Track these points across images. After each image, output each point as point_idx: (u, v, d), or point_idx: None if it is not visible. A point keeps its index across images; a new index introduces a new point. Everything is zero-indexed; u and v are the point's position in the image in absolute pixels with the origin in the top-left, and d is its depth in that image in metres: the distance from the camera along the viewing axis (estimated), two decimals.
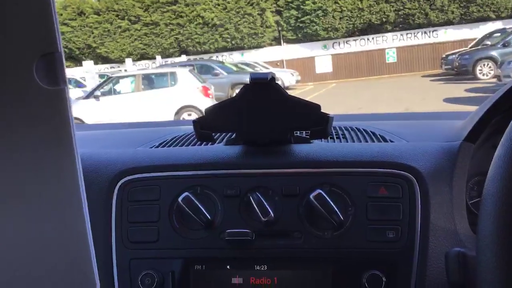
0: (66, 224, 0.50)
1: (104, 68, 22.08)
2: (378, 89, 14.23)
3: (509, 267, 0.46)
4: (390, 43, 20.75)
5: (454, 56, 14.89)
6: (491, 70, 13.33)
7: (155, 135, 1.03)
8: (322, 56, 21.21)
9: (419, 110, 8.57)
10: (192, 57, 20.66)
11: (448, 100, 9.51)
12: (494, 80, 11.87)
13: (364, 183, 0.75)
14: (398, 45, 20.57)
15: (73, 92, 13.38)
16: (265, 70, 16.71)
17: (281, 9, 21.11)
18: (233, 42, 21.69)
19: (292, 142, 0.84)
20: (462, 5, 19.10)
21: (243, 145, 0.83)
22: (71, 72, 18.77)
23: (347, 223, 0.74)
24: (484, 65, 13.63)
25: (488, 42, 14.56)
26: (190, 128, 0.81)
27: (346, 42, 21.21)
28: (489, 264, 0.48)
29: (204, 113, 0.80)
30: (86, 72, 14.24)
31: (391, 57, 20.62)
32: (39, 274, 0.51)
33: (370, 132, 0.95)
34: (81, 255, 0.51)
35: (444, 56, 16.35)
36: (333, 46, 21.32)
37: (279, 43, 21.88)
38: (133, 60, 19.76)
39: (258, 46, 21.87)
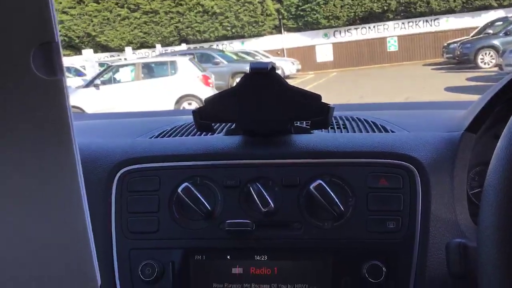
0: (65, 218, 0.50)
1: (104, 56, 22.01)
2: (379, 78, 14.18)
3: (510, 258, 0.46)
4: (391, 31, 20.64)
5: (455, 44, 14.82)
6: (493, 59, 13.28)
7: (154, 125, 1.03)
8: (323, 44, 21.11)
9: (420, 99, 8.55)
10: (192, 46, 20.57)
11: (450, 89, 9.48)
12: (496, 69, 11.83)
13: (365, 174, 0.75)
14: (400, 33, 20.46)
15: (73, 81, 13.37)
16: (265, 59, 16.65)
17: None
18: (233, 30, 21.58)
19: (292, 132, 0.83)
20: None
21: (243, 135, 0.83)
22: (70, 60, 18.71)
23: (347, 213, 0.74)
24: (485, 53, 13.57)
25: (490, 31, 14.48)
26: (190, 118, 0.80)
27: (347, 30, 21.10)
28: (490, 256, 0.48)
29: (203, 103, 0.79)
30: (86, 61, 14.19)
31: (392, 45, 20.52)
32: (38, 273, 0.50)
33: (371, 122, 0.94)
34: (81, 252, 0.51)
35: (445, 44, 16.28)
36: (334, 35, 21.21)
37: (280, 32, 21.77)
38: (133, 49, 19.67)
39: (259, 35, 21.76)
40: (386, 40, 20.56)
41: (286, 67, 16.74)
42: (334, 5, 20.01)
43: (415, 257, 0.72)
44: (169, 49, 20.65)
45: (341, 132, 0.91)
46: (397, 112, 1.16)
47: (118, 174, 0.79)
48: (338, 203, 0.72)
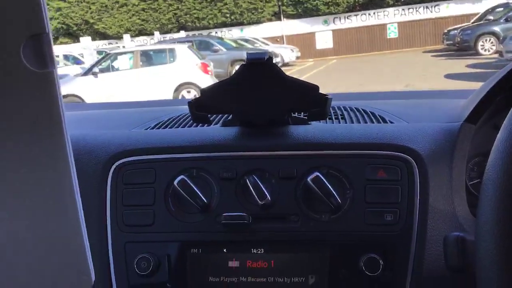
0: (57, 212, 0.49)
1: (102, 44, 21.90)
2: (379, 65, 14.13)
3: (508, 253, 0.46)
4: (391, 18, 20.51)
5: (455, 31, 14.74)
6: (493, 45, 13.22)
7: (150, 116, 1.02)
8: (323, 31, 20.99)
9: (420, 86, 8.53)
10: (190, 33, 20.46)
11: (449, 76, 9.45)
12: (496, 55, 11.79)
13: (363, 166, 0.74)
14: (400, 20, 20.34)
15: (71, 69, 13.32)
16: (264, 46, 16.59)
17: None
18: (232, 17, 21.44)
19: (290, 124, 0.82)
20: None
21: (240, 127, 0.82)
22: (68, 48, 18.62)
23: (345, 206, 0.73)
24: (486, 40, 13.51)
25: (491, 17, 14.39)
26: (186, 108, 0.79)
27: (347, 17, 20.96)
28: (488, 250, 0.47)
29: (200, 93, 0.78)
30: (84, 49, 14.13)
31: (392, 32, 20.41)
32: (29, 267, 0.50)
33: (369, 113, 0.93)
34: (74, 247, 0.50)
35: (445, 31, 16.19)
36: (333, 22, 21.08)
37: (279, 19, 21.63)
38: (131, 36, 19.54)
39: (258, 22, 21.62)
40: (386, 26, 20.45)
41: (286, 54, 16.66)
42: None
43: (412, 250, 0.72)
44: (168, 36, 20.54)
45: (339, 123, 0.90)
46: (396, 101, 1.15)
47: (113, 166, 0.79)
48: (336, 195, 0.72)
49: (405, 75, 10.58)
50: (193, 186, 0.74)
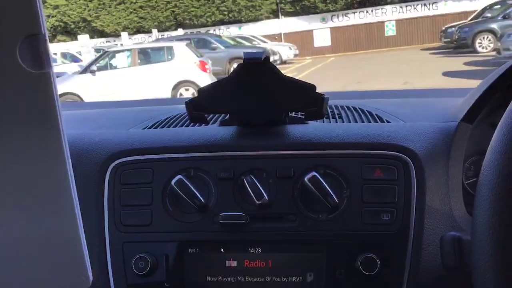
0: (54, 212, 0.49)
1: (100, 42, 21.86)
2: (377, 63, 14.13)
3: (504, 253, 0.46)
4: (389, 15, 20.52)
5: (453, 28, 14.75)
6: (491, 43, 13.23)
7: (148, 115, 1.02)
8: (321, 29, 20.98)
9: (417, 83, 8.53)
10: (188, 31, 20.42)
11: (447, 74, 9.46)
12: (494, 53, 11.79)
13: (360, 165, 0.74)
14: (398, 17, 20.35)
15: (69, 67, 13.29)
16: (263, 44, 16.57)
17: None
18: (230, 15, 21.40)
19: (287, 123, 0.82)
20: None
21: (237, 126, 0.82)
22: (66, 46, 18.57)
23: (342, 205, 0.73)
24: (483, 38, 13.52)
25: (489, 14, 14.40)
26: (184, 107, 0.79)
27: (345, 14, 20.96)
28: (484, 250, 0.47)
29: (197, 93, 0.78)
30: (82, 47, 14.10)
31: (390, 30, 20.41)
32: (25, 268, 0.50)
33: (366, 112, 0.93)
34: (72, 247, 0.50)
35: (443, 28, 16.19)
36: (331, 19, 21.08)
37: (277, 16, 21.61)
38: (129, 34, 19.50)
39: (256, 19, 21.60)
40: (384, 24, 20.45)
41: (284, 52, 16.66)
42: None
43: (409, 250, 0.72)
44: (166, 34, 20.50)
45: (336, 122, 0.90)
46: (393, 100, 1.15)
47: (111, 166, 0.78)
48: (333, 195, 0.72)
49: (403, 73, 10.59)
50: (191, 186, 0.74)
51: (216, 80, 0.80)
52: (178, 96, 9.17)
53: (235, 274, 0.74)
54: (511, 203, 0.46)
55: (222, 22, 21.68)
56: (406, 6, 20.24)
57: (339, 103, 1.02)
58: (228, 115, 0.86)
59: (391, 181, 0.73)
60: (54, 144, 0.48)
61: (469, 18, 15.95)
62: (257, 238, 0.74)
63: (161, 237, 0.75)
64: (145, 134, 0.86)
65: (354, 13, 20.86)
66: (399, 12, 20.38)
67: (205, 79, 8.94)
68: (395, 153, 0.75)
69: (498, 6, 14.59)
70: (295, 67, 15.33)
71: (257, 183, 0.73)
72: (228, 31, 21.20)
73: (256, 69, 0.75)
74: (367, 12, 20.72)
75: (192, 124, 0.91)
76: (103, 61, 9.97)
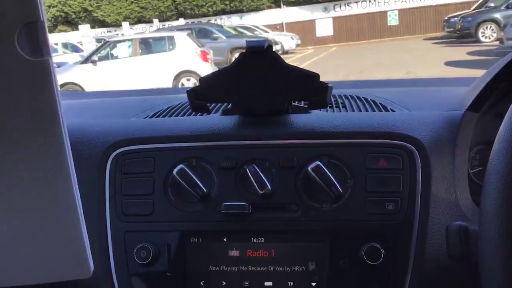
0: (54, 202, 0.49)
1: (101, 32, 21.79)
2: (379, 53, 14.06)
3: None
4: (392, 5, 20.37)
5: (456, 18, 14.65)
6: (494, 32, 13.15)
7: (149, 104, 1.01)
8: (323, 19, 20.86)
9: (420, 73, 8.50)
10: (190, 21, 20.34)
11: (450, 64, 9.41)
12: (497, 43, 11.72)
13: (364, 155, 0.74)
14: (400, 7, 20.21)
15: (70, 57, 13.27)
16: (264, 34, 16.49)
17: None
18: (231, 4, 21.29)
19: (290, 112, 0.81)
20: None
21: (240, 116, 0.81)
22: (67, 36, 18.53)
23: (345, 195, 0.73)
24: (486, 27, 13.43)
25: (492, 4, 14.29)
26: (185, 97, 0.78)
27: (347, 4, 20.82)
28: (492, 241, 0.47)
29: (199, 82, 0.77)
30: (83, 37, 14.07)
31: (393, 19, 20.29)
32: (26, 258, 0.50)
33: (370, 101, 0.92)
34: (72, 237, 0.50)
35: (446, 18, 16.09)
36: (334, 9, 20.95)
37: (279, 6, 21.48)
38: (130, 24, 19.45)
39: (258, 9, 21.48)
40: (387, 14, 20.32)
41: (286, 42, 16.58)
42: None
43: (414, 239, 0.71)
44: (167, 24, 20.42)
45: (340, 111, 0.89)
46: (398, 89, 1.14)
47: (112, 156, 0.78)
48: (337, 184, 0.71)
49: (405, 63, 10.53)
50: (193, 176, 0.73)
51: (217, 69, 0.79)
52: (179, 86, 9.15)
53: (238, 264, 0.74)
54: None
55: (223, 12, 21.58)
56: None
57: (342, 92, 1.01)
58: (230, 104, 0.85)
59: (395, 171, 0.73)
60: (53, 133, 0.47)
61: (472, 8, 15.83)
62: (260, 228, 0.74)
63: (163, 226, 0.75)
64: (147, 123, 0.85)
65: (356, 2, 20.72)
66: (401, 1, 20.24)
67: (207, 69, 8.90)
68: (400, 142, 0.74)
69: None
70: (297, 57, 15.27)
71: (260, 173, 0.73)
72: (230, 21, 21.10)
73: (259, 57, 0.74)
74: (369, 1, 20.58)
75: (193, 113, 0.90)
76: (104, 51, 9.94)
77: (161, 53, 9.68)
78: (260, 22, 19.73)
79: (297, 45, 17.69)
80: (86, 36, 13.84)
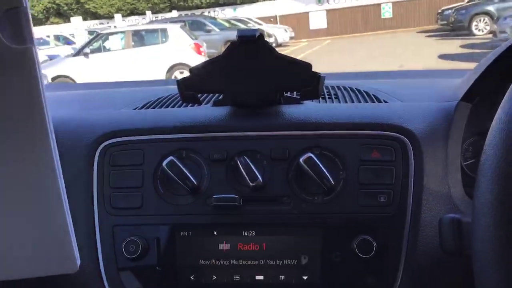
0: (38, 196, 0.47)
1: (93, 24, 21.62)
2: (373, 46, 14.07)
3: (507, 237, 0.44)
4: None
5: (450, 11, 14.66)
6: (487, 25, 13.18)
7: (139, 96, 0.99)
8: (317, 11, 20.80)
9: (414, 66, 8.51)
10: (183, 13, 20.21)
11: (443, 57, 9.43)
12: (490, 35, 11.76)
13: (356, 146, 0.73)
14: (394, 0, 20.19)
15: (62, 50, 13.16)
16: (258, 26, 16.43)
17: None
18: None
19: (281, 103, 0.80)
20: None
21: (230, 107, 0.80)
22: (59, 28, 18.36)
23: (338, 187, 0.72)
24: (480, 20, 13.46)
25: None
26: (176, 88, 0.77)
27: None
28: (485, 232, 0.46)
29: (189, 71, 0.76)
30: (75, 29, 13.95)
31: (386, 12, 20.28)
32: (10, 253, 0.48)
33: (363, 92, 0.91)
34: (57, 231, 0.48)
35: (440, 11, 16.10)
36: (327, 1, 20.90)
37: None
38: (123, 16, 19.29)
39: (251, 1, 21.39)
40: (381, 6, 20.30)
41: (279, 34, 16.53)
42: None
43: (406, 232, 0.70)
44: (160, 16, 20.29)
45: (333, 102, 0.88)
46: (391, 81, 1.13)
47: (100, 148, 0.76)
48: (329, 176, 0.70)
49: (399, 56, 10.54)
50: (183, 168, 0.72)
51: None
52: (172, 79, 9.13)
53: (229, 258, 0.73)
54: None
55: (217, 4, 21.47)
56: None
57: (334, 83, 1.00)
58: (221, 95, 0.83)
59: (388, 162, 0.72)
60: (37, 124, 0.46)
61: (466, 1, 15.84)
62: (251, 221, 0.73)
63: (152, 220, 0.74)
64: (136, 115, 0.84)
65: None
66: None
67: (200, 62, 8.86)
68: (393, 133, 0.73)
69: None
70: (290, 50, 15.24)
71: (251, 165, 0.72)
72: (223, 13, 21.01)
73: (250, 47, 0.72)
74: None
75: (184, 104, 0.89)
76: (96, 43, 9.87)
77: (154, 46, 9.62)
78: (253, 15, 19.66)
79: (291, 38, 17.65)
80: (78, 28, 13.72)
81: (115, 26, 15.14)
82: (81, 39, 13.02)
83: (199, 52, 9.44)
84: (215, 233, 0.73)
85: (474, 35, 13.20)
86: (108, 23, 21.05)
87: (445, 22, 15.21)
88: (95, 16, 22.34)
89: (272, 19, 20.58)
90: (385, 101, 0.85)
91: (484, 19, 13.39)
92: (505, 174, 0.45)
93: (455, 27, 14.14)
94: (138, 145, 0.76)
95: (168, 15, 19.86)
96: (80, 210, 0.74)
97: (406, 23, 19.92)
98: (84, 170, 0.76)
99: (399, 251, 0.71)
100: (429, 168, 0.72)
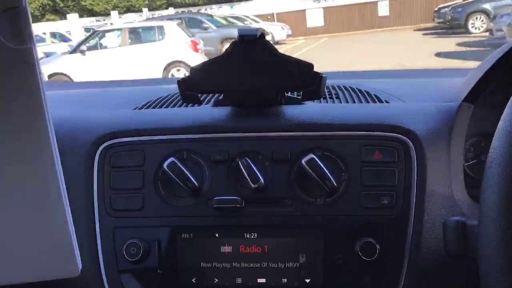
0: (39, 198, 0.47)
1: (90, 21, 21.53)
2: (369, 44, 14.08)
3: None
4: None
5: (446, 9, 14.69)
6: (484, 23, 13.21)
7: (139, 95, 0.98)
8: (314, 9, 20.79)
9: (410, 64, 8.52)
10: (180, 10, 20.16)
11: (440, 55, 9.45)
12: (486, 33, 11.80)
13: (358, 147, 0.72)
14: None
15: (59, 47, 13.11)
16: (255, 24, 16.42)
17: None
18: None
19: (283, 103, 0.80)
20: None
21: (232, 107, 0.79)
22: (55, 26, 18.29)
23: (340, 189, 0.71)
24: (476, 18, 13.49)
25: None
26: (175, 87, 0.76)
27: None
28: (492, 237, 0.46)
29: (189, 72, 0.75)
30: (72, 26, 13.90)
31: (383, 10, 20.28)
32: (11, 258, 0.48)
33: (364, 92, 0.90)
34: (59, 235, 0.48)
35: (436, 9, 16.13)
36: None
37: None
38: (119, 13, 19.24)
39: None
40: (377, 4, 20.30)
41: (276, 32, 16.52)
42: None
43: (409, 234, 0.70)
44: (156, 13, 20.23)
45: (334, 102, 0.87)
46: (392, 80, 1.13)
47: (100, 149, 0.76)
48: (331, 178, 0.70)
49: (395, 54, 10.55)
50: (184, 169, 0.71)
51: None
52: (169, 76, 9.10)
53: (230, 260, 0.72)
54: None
55: (213, 1, 21.44)
56: None
57: (335, 83, 0.99)
58: (222, 95, 0.83)
59: (390, 164, 0.71)
60: (38, 125, 0.45)
61: None
62: (253, 223, 0.72)
63: (153, 222, 0.73)
64: (136, 115, 0.83)
65: None
66: None
67: (197, 60, 8.84)
68: (395, 134, 0.73)
69: None
70: (287, 47, 15.23)
71: (253, 166, 0.71)
72: (220, 11, 20.96)
73: (251, 47, 0.72)
74: None
75: (184, 104, 0.88)
76: (93, 40, 9.82)
77: (150, 43, 9.58)
78: (250, 12, 19.63)
79: (288, 36, 17.64)
80: (74, 25, 13.67)
81: (111, 24, 15.09)
82: (77, 36, 12.98)
83: (196, 50, 9.41)
84: (217, 235, 0.73)
85: (471, 33, 13.24)
86: (104, 20, 20.98)
87: (441, 20, 15.24)
88: (91, 13, 22.26)
89: (269, 17, 20.56)
90: (386, 101, 0.84)
91: (480, 17, 13.43)
92: (511, 177, 0.44)
93: (452, 25, 14.18)
94: (139, 146, 0.75)
95: (164, 12, 19.79)
96: (80, 212, 0.74)
97: (403, 21, 19.93)
98: (84, 172, 0.75)
99: (402, 254, 0.70)
100: (431, 170, 0.71)
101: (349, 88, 0.94)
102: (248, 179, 0.71)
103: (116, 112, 0.87)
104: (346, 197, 0.71)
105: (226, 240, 0.72)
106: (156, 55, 9.22)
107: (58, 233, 0.48)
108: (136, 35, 9.98)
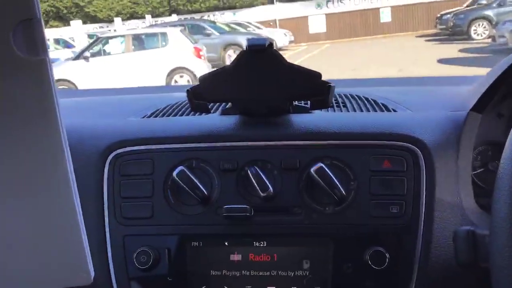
0: (53, 206, 0.47)
1: (93, 28, 21.63)
2: (372, 50, 14.09)
3: None
4: (384, 2, 20.39)
5: (449, 15, 14.70)
6: (486, 30, 13.21)
7: (147, 103, 0.99)
8: (316, 15, 20.84)
9: (413, 70, 8.52)
10: (182, 17, 20.24)
11: (442, 61, 9.44)
12: (489, 40, 11.79)
13: (367, 156, 0.72)
14: (393, 4, 20.23)
15: (62, 53, 13.16)
16: (257, 30, 16.47)
17: None
18: (224, 0, 21.22)
19: (291, 112, 0.80)
20: None
21: (240, 116, 0.79)
22: (59, 32, 18.37)
23: (349, 198, 0.71)
24: (478, 25, 13.49)
25: (484, 1, 14.36)
26: (183, 95, 0.77)
27: (340, 0, 20.81)
28: (504, 249, 0.46)
29: (198, 80, 0.76)
30: (75, 32, 13.96)
31: (386, 16, 20.31)
32: (25, 266, 0.48)
33: (371, 101, 0.91)
34: (72, 243, 0.48)
35: (439, 15, 16.14)
36: (327, 5, 20.93)
37: (272, 2, 21.44)
38: (122, 20, 19.32)
39: (251, 5, 21.43)
40: (379, 10, 20.34)
41: (279, 38, 16.55)
42: None
43: (419, 243, 0.70)
44: (159, 20, 20.31)
45: (341, 111, 0.87)
46: (397, 88, 1.13)
47: (110, 157, 0.76)
48: (340, 187, 0.70)
49: (398, 60, 10.56)
50: (193, 178, 0.72)
51: (210, 66, 0.77)
52: (172, 83, 9.12)
53: (240, 268, 0.72)
54: None
55: (216, 8, 21.51)
56: None
57: (342, 91, 1.00)
58: (230, 104, 0.83)
59: (399, 173, 0.72)
60: (52, 135, 0.46)
61: (465, 5, 15.89)
62: (262, 231, 0.72)
63: (163, 230, 0.73)
64: (145, 123, 0.83)
65: None
66: None
67: (200, 66, 8.87)
68: (404, 143, 0.73)
69: None
70: (290, 54, 15.25)
71: (262, 175, 0.71)
72: (223, 17, 21.02)
73: (259, 56, 0.72)
74: None
75: (192, 112, 0.88)
76: (96, 47, 9.86)
77: (154, 50, 9.62)
78: (253, 19, 19.68)
79: (290, 42, 17.67)
80: (78, 31, 13.73)
81: (115, 30, 15.15)
82: (81, 42, 13.03)
83: (199, 56, 9.44)
84: (226, 243, 0.73)
85: (473, 39, 13.23)
86: (107, 26, 21.07)
87: (444, 26, 15.25)
88: (94, 19, 22.36)
89: (271, 23, 20.61)
90: (394, 110, 0.84)
91: (482, 24, 13.43)
92: None
93: (454, 31, 14.18)
94: (148, 154, 0.76)
95: (167, 19, 19.87)
96: (90, 220, 0.74)
97: (405, 27, 19.96)
98: (94, 180, 0.76)
99: (412, 263, 0.70)
100: (440, 179, 0.71)
101: (356, 97, 0.95)
102: (257, 188, 0.71)
103: (125, 121, 0.87)
104: (355, 206, 0.71)
105: (235, 248, 0.73)
106: (159, 62, 9.25)
107: (70, 241, 0.48)
108: (139, 41, 10.02)
